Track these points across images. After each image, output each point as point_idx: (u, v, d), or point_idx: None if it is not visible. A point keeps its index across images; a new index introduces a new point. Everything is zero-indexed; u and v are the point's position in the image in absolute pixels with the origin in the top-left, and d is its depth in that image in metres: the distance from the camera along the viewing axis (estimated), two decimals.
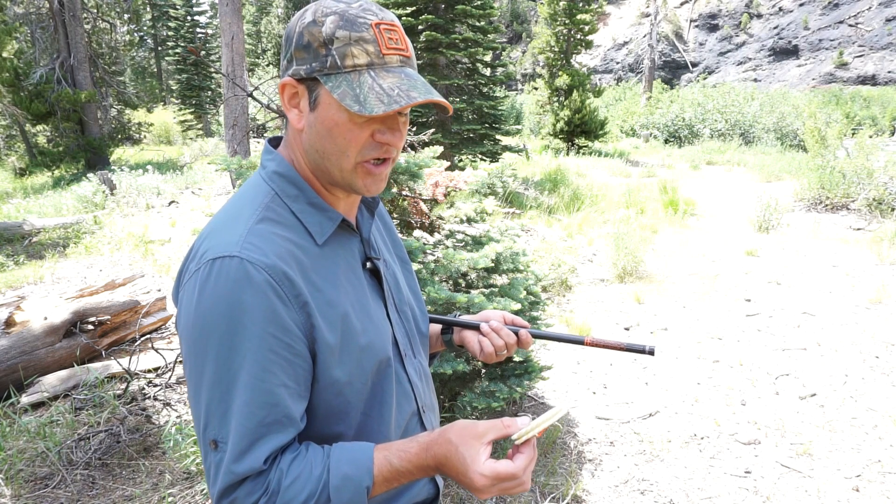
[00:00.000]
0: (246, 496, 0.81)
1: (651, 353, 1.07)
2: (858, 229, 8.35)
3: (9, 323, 3.78)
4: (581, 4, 18.53)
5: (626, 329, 4.87)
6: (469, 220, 3.01)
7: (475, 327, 1.16)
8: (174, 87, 28.80)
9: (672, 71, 41.53)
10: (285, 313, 0.82)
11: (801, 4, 39.48)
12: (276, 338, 0.82)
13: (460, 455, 0.85)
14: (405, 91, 0.84)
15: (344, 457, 0.85)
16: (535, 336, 1.15)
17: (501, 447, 2.23)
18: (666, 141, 21.75)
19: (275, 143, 1.01)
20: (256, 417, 0.81)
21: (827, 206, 9.66)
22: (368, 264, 1.01)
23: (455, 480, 0.87)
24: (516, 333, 1.14)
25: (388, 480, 0.87)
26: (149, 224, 8.44)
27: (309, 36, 0.86)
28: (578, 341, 1.11)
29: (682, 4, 44.20)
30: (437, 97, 0.86)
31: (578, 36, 18.85)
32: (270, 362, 0.81)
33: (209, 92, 26.16)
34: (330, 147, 0.89)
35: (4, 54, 13.80)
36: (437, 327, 1.25)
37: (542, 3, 19.17)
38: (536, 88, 20.60)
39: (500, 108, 11.35)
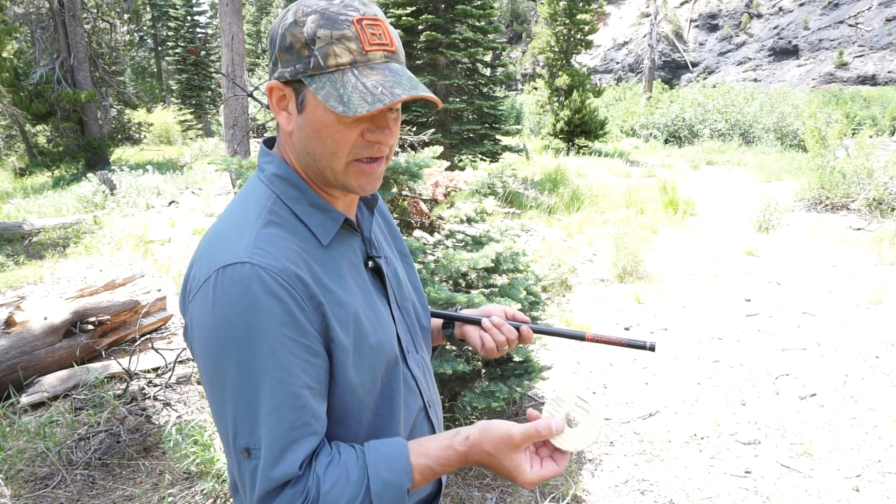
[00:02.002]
0: None
1: (652, 349, 1.07)
2: (858, 229, 8.35)
3: (9, 323, 3.78)
4: (581, 4, 18.53)
5: (626, 329, 4.87)
6: (469, 220, 3.01)
7: (476, 322, 1.16)
8: (174, 87, 28.79)
9: (672, 71, 41.50)
10: (301, 315, 0.82)
11: (801, 4, 39.45)
12: (295, 340, 0.81)
13: (504, 468, 0.88)
14: (389, 88, 0.82)
15: (381, 462, 0.86)
16: (537, 331, 1.15)
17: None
18: (666, 141, 21.75)
19: (270, 143, 1.00)
20: (286, 422, 0.80)
21: (827, 206, 9.66)
22: (371, 263, 1.01)
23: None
24: (517, 329, 1.14)
25: (425, 480, 0.89)
26: (149, 224, 8.44)
27: (291, 37, 0.85)
28: (580, 337, 1.11)
29: (682, 4, 44.18)
30: (424, 92, 0.84)
31: (578, 36, 18.86)
32: (292, 365, 0.81)
33: (209, 92, 26.16)
34: (320, 149, 0.88)
35: (4, 54, 13.79)
36: (438, 322, 1.25)
37: (542, 3, 19.18)
38: (536, 88, 20.60)
39: (500, 108, 11.35)
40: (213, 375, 0.82)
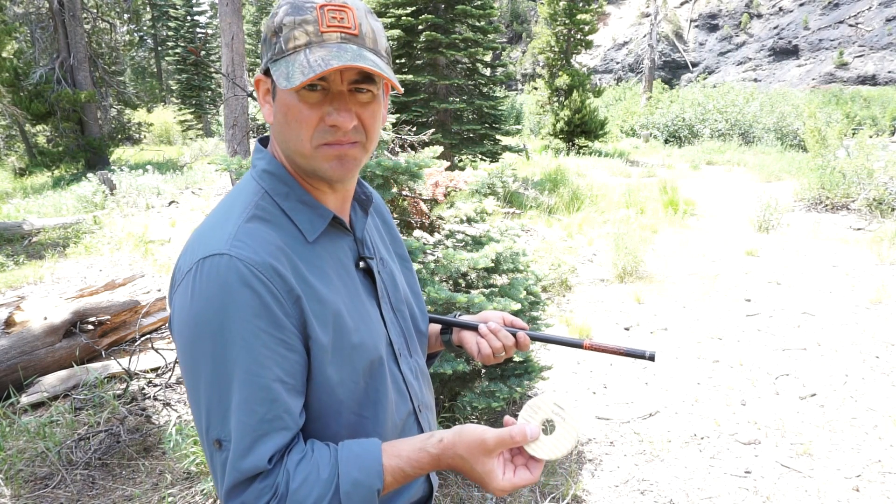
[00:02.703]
0: (255, 499, 0.80)
1: (651, 358, 1.04)
2: (858, 229, 8.35)
3: (9, 323, 3.78)
4: (581, 4, 18.53)
5: (626, 329, 4.87)
6: (469, 220, 3.01)
7: (473, 328, 1.15)
8: (174, 87, 28.78)
9: (672, 71, 41.49)
10: (277, 308, 0.82)
11: (801, 4, 39.45)
12: (269, 333, 0.81)
13: (476, 473, 0.87)
14: (326, 60, 0.81)
15: (353, 461, 0.85)
16: (534, 338, 1.14)
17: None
18: (666, 141, 21.75)
19: (265, 142, 1.01)
20: (257, 414, 0.80)
21: (827, 206, 9.66)
22: (361, 264, 1.00)
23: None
24: (514, 335, 1.13)
25: (397, 482, 0.88)
26: (149, 224, 8.44)
27: (266, 30, 0.89)
28: (577, 345, 1.08)
29: (682, 4, 44.18)
30: (365, 64, 0.82)
31: (578, 36, 18.86)
32: (265, 357, 0.81)
33: (209, 92, 26.16)
34: (288, 133, 0.89)
35: (4, 54, 13.79)
36: (436, 327, 1.24)
37: (542, 3, 19.17)
38: (536, 88, 20.61)
39: (500, 108, 11.35)
40: (190, 366, 0.83)
